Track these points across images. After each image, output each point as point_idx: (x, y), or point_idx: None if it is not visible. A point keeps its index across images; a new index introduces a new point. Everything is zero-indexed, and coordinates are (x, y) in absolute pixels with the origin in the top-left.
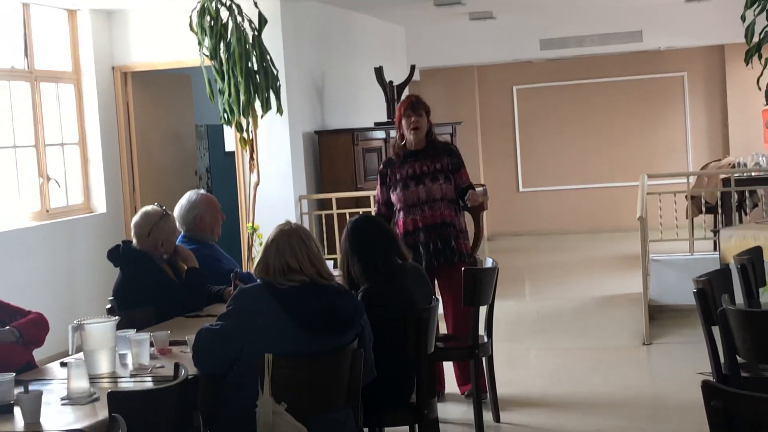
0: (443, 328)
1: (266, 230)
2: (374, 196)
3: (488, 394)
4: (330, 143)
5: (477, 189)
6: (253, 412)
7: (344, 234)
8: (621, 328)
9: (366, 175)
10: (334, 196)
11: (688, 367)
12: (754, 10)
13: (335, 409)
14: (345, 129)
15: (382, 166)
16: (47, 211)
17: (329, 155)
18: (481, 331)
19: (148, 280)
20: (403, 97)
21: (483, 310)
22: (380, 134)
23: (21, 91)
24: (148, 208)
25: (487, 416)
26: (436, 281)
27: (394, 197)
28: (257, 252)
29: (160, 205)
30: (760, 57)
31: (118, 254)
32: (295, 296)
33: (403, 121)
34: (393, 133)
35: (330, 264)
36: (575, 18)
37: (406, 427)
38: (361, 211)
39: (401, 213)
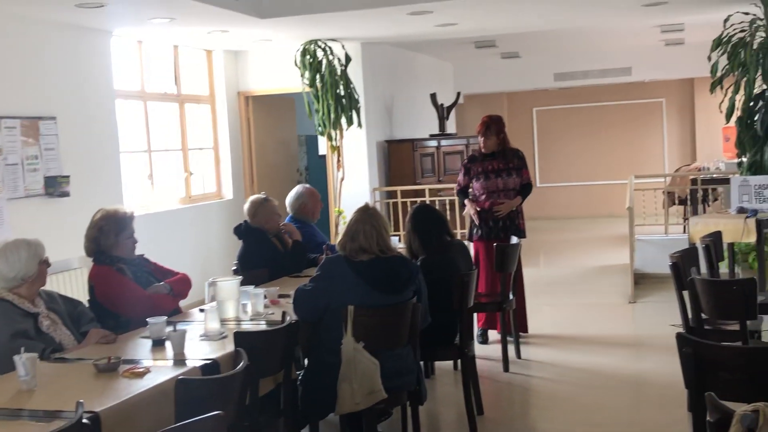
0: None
1: (349, 213)
2: (458, 183)
3: (513, 337)
4: (396, 149)
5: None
6: (339, 348)
7: (408, 217)
8: (612, 290)
9: (423, 173)
10: (398, 188)
11: (662, 320)
12: (718, 52)
13: (399, 346)
14: (407, 139)
15: (467, 160)
16: (190, 197)
17: (395, 158)
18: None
19: (261, 250)
20: (452, 117)
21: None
22: (433, 143)
23: (171, 110)
24: (253, 197)
25: (512, 354)
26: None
27: (477, 185)
28: (341, 229)
29: (263, 193)
30: (721, 87)
31: (241, 230)
32: (366, 266)
33: (479, 136)
34: (444, 142)
35: (395, 239)
36: (581, 56)
37: (451, 361)
38: (419, 200)
39: (483, 197)
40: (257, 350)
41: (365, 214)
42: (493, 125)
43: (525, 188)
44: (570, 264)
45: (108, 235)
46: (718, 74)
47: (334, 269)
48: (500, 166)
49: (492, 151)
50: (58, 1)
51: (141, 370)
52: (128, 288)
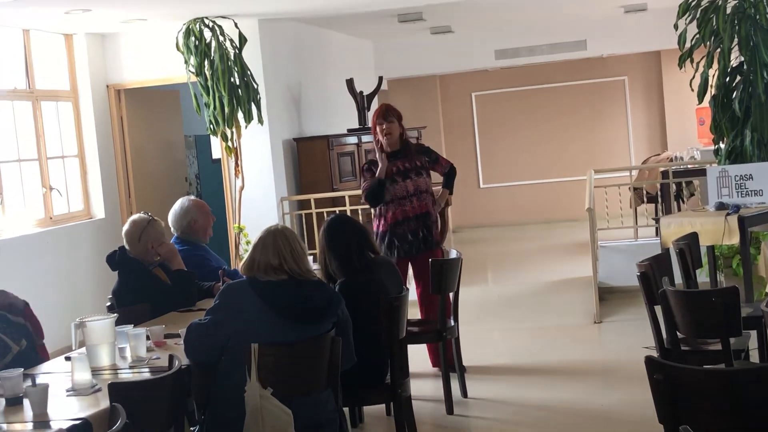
0: (416, 314)
1: (251, 230)
2: (363, 190)
3: (457, 372)
4: (307, 149)
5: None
6: (241, 397)
7: (321, 233)
8: (574, 309)
9: (341, 176)
10: (312, 197)
11: (635, 342)
12: (686, 19)
13: (317, 391)
14: (320, 135)
15: (367, 164)
16: (51, 218)
17: (307, 160)
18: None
19: (141, 284)
20: (374, 107)
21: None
22: (353, 139)
23: (23, 109)
24: (135, 216)
25: (456, 392)
26: (410, 268)
27: None
28: (244, 250)
29: (146, 212)
30: (692, 61)
31: (115, 260)
32: (273, 291)
33: (377, 128)
34: (365, 138)
35: (310, 258)
36: (526, 29)
37: (383, 405)
38: (337, 209)
39: (390, 205)
40: (139, 404)
41: (275, 228)
42: (391, 111)
43: (449, 176)
44: (522, 280)
45: None
46: (687, 45)
47: (234, 297)
48: (406, 165)
49: (395, 149)
50: None
51: None
52: None
